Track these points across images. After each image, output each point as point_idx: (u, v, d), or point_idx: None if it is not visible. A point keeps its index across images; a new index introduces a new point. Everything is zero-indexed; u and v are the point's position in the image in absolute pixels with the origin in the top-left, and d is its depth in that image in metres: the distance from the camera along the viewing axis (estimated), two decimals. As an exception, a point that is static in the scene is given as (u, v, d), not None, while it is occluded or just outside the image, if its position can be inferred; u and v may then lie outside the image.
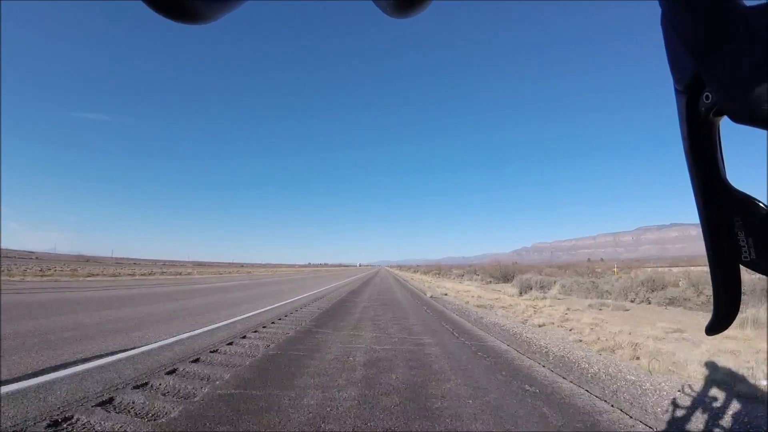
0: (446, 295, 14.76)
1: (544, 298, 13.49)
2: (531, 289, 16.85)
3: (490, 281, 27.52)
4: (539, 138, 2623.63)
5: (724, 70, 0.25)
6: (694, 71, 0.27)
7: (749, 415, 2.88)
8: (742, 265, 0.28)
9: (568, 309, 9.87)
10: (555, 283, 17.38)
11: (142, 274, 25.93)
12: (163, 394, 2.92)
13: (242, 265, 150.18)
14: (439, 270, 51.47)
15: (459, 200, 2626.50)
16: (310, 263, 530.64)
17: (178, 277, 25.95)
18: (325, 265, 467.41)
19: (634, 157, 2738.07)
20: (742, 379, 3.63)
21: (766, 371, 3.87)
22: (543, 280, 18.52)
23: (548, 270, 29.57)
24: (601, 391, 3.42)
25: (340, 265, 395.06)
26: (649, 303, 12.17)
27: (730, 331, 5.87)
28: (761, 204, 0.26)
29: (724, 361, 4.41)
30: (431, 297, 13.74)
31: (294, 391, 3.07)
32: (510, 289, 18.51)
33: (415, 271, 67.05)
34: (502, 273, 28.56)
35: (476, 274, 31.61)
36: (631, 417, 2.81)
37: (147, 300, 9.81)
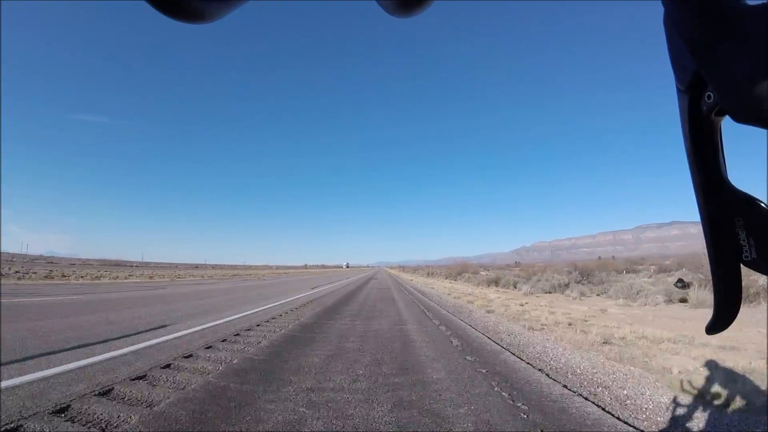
0: None
1: None
2: None
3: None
4: (538, 137, 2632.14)
5: (725, 69, 0.24)
6: (696, 71, 0.27)
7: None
8: (743, 264, 0.28)
9: None
10: None
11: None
12: None
13: (219, 267, 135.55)
14: (471, 272, 36.69)
15: (457, 200, 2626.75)
16: (306, 264, 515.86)
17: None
18: (324, 266, 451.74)
19: (634, 155, 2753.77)
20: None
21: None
22: None
23: None
24: None
25: (338, 267, 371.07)
26: None
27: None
28: (763, 204, 0.26)
29: None
30: None
31: None
32: None
33: (429, 274, 52.52)
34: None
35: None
36: None
37: None
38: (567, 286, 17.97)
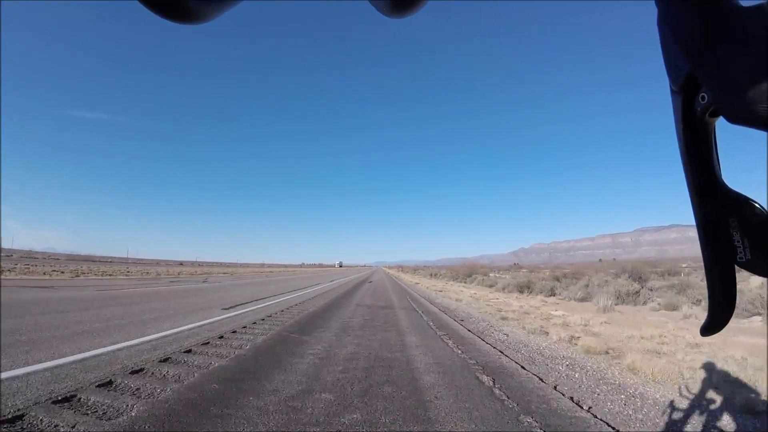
0: None
1: None
2: None
3: None
4: (538, 137, 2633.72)
5: (719, 70, 0.24)
6: (690, 71, 0.27)
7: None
8: (738, 265, 0.27)
9: None
10: None
11: None
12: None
13: (205, 265, 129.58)
14: (482, 274, 31.19)
15: (456, 200, 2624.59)
16: (303, 263, 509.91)
17: None
18: (321, 265, 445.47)
19: (633, 157, 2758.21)
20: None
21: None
22: None
23: None
24: None
25: (333, 266, 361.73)
26: None
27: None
28: (757, 205, 0.26)
29: None
30: None
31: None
32: None
33: (432, 275, 47.07)
34: None
35: None
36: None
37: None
38: (638, 294, 12.50)
